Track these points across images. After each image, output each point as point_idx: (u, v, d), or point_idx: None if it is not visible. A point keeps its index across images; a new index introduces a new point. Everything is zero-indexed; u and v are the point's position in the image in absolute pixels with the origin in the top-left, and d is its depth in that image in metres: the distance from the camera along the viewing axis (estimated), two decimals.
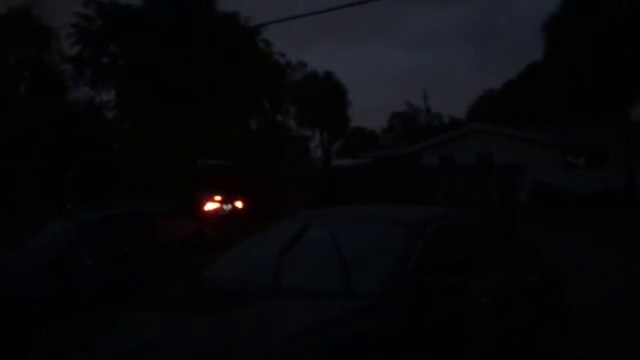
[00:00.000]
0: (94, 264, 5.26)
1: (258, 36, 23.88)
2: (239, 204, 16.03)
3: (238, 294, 3.80)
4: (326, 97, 41.91)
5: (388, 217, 4.62)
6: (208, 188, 15.81)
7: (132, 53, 20.23)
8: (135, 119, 21.61)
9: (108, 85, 22.15)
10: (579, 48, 21.67)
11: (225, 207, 15.59)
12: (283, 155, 25.66)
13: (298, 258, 4.06)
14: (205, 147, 21.08)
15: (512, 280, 4.67)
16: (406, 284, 3.57)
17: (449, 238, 4.30)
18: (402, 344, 3.34)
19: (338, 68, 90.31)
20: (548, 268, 5.34)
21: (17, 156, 20.18)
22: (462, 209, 5.83)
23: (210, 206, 15.24)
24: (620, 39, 20.26)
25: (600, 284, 8.57)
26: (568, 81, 23.63)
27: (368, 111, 74.14)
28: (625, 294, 8.09)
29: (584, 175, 23.92)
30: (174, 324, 3.37)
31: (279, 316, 3.35)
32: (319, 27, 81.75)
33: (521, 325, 4.57)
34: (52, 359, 3.29)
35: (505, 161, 24.85)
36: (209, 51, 19.74)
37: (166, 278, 4.51)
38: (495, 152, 25.60)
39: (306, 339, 2.95)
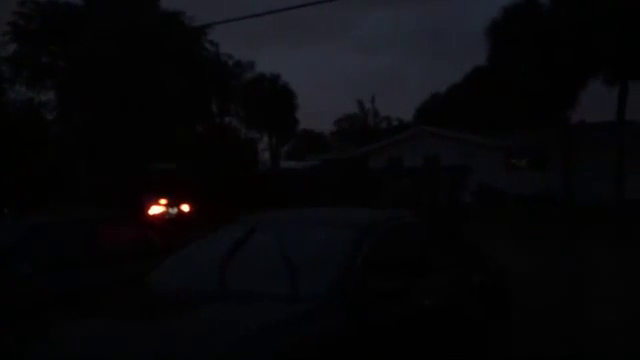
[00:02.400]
0: (32, 271, 5.05)
1: (205, 37, 23.61)
2: (185, 208, 15.75)
3: (182, 299, 3.72)
4: (274, 100, 41.87)
5: (334, 220, 4.62)
6: (153, 192, 15.47)
7: (74, 53, 19.65)
8: (78, 121, 21.00)
9: (47, 86, 21.43)
10: (521, 53, 22.39)
11: (171, 211, 15.28)
12: (231, 158, 25.39)
13: (244, 262, 4.03)
14: (151, 150, 20.65)
15: (457, 280, 4.73)
16: (352, 287, 3.56)
17: (395, 240, 4.33)
18: (348, 346, 3.33)
19: (288, 70, 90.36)
20: (492, 268, 5.45)
21: None
22: (409, 210, 5.88)
23: (155, 210, 14.91)
24: (560, 45, 21.02)
25: (537, 282, 8.84)
26: (510, 85, 24.38)
27: (317, 114, 74.48)
28: (560, 292, 8.39)
29: (526, 177, 24.69)
30: (117, 331, 3.27)
31: (224, 321, 3.29)
32: (270, 28, 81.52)
33: (466, 325, 4.63)
34: None
35: (451, 163, 25.37)
36: (155, 52, 19.38)
37: (109, 285, 4.38)
38: (442, 154, 26.11)
39: (251, 343, 2.92)
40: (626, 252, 12.40)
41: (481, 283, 5.04)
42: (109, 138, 19.05)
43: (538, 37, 21.41)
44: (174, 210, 15.37)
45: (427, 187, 23.49)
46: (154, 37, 19.46)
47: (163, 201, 15.13)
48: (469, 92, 38.76)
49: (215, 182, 19.77)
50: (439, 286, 4.38)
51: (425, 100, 47.63)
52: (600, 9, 20.56)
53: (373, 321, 3.57)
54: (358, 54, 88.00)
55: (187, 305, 3.64)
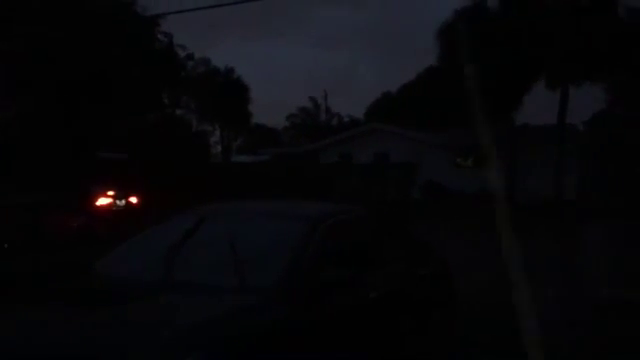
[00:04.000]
0: None
1: (157, 27, 23.20)
2: (134, 199, 15.48)
3: (128, 290, 3.68)
4: (227, 93, 41.51)
5: (284, 212, 4.66)
6: (101, 182, 15.14)
7: (17, 35, 18.89)
8: (22, 107, 20.22)
9: None
10: (468, 58, 22.95)
11: (118, 202, 15.00)
12: (181, 150, 25.07)
13: (193, 252, 4.01)
14: (99, 139, 20.17)
15: (404, 272, 4.85)
16: (301, 278, 3.59)
17: (344, 233, 4.39)
18: (296, 336, 3.36)
19: (242, 63, 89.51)
20: (437, 261, 5.62)
21: None
22: (358, 205, 6.02)
23: (102, 201, 14.60)
24: (505, 48, 21.69)
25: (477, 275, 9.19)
26: (458, 86, 24.95)
27: (270, 108, 74.13)
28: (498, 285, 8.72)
29: (471, 175, 25.38)
30: (61, 319, 3.25)
31: (170, 312, 3.29)
32: (225, 21, 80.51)
33: (411, 314, 4.76)
34: None
35: (400, 160, 25.82)
36: (104, 36, 18.85)
37: (53, 273, 4.32)
38: (391, 151, 26.53)
39: (197, 334, 2.92)
40: (544, 244, 13.02)
41: (426, 275, 5.18)
42: (56, 124, 18.43)
43: (485, 40, 22.02)
44: (122, 202, 15.10)
45: (376, 183, 23.86)
46: (103, 20, 18.91)
47: (111, 192, 14.84)
48: (420, 92, 39.41)
49: (165, 174, 19.50)
50: (386, 277, 4.48)
51: (377, 98, 48.18)
52: (544, 15, 21.32)
53: (322, 312, 3.61)
54: (313, 50, 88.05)
55: (133, 295, 3.59)
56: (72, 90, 18.05)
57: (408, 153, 25.90)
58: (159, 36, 23.45)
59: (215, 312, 3.19)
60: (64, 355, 2.80)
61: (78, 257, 4.55)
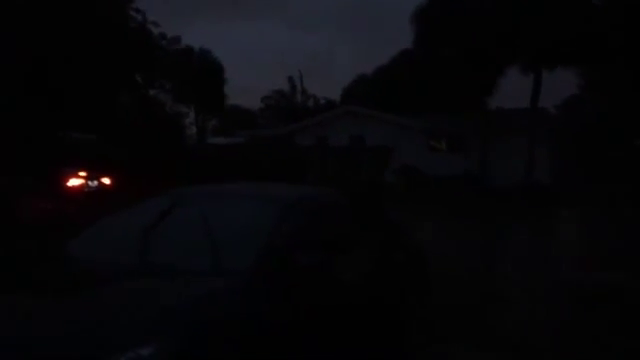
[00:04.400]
0: None
1: (131, 4, 22.73)
2: (106, 181, 15.23)
3: (100, 272, 3.61)
4: (202, 73, 41.01)
5: (257, 195, 4.63)
6: (72, 163, 14.85)
7: None
8: None
9: None
10: (443, 40, 23.05)
11: (90, 183, 14.74)
12: (156, 131, 24.68)
13: (166, 235, 3.95)
14: (70, 120, 19.76)
15: (379, 256, 4.88)
16: (273, 262, 3.58)
17: (319, 216, 4.39)
18: (269, 320, 3.36)
19: (217, 45, 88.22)
20: (412, 245, 5.66)
21: None
22: (333, 188, 6.02)
23: (74, 182, 14.34)
24: (480, 32, 21.79)
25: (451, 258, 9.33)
26: (433, 70, 25.09)
27: (246, 90, 73.37)
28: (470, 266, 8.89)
29: (446, 159, 25.62)
30: (32, 304, 3.19)
31: (143, 295, 3.25)
32: (200, 1, 79.15)
33: (386, 300, 4.80)
34: None
35: (376, 143, 25.90)
36: (75, 15, 18.38)
37: (22, 257, 4.25)
38: (367, 135, 26.58)
39: (169, 317, 2.89)
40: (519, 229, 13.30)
41: (401, 259, 5.22)
42: (23, 104, 17.97)
43: (459, 25, 22.10)
44: (94, 183, 14.85)
45: (351, 166, 23.92)
46: None
47: (82, 173, 14.57)
48: (396, 74, 39.42)
49: (139, 156, 19.23)
50: (361, 261, 4.49)
51: (352, 81, 48.07)
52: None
53: (296, 295, 3.61)
54: (290, 31, 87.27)
55: (105, 278, 3.52)
56: (39, 69, 17.61)
57: (384, 136, 25.99)
58: (131, 13, 22.99)
59: (184, 296, 3.14)
60: (26, 340, 2.74)
61: (49, 241, 4.48)
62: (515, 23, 21.28)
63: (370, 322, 4.56)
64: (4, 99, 18.39)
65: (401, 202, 16.11)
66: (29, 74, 17.72)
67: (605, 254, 9.69)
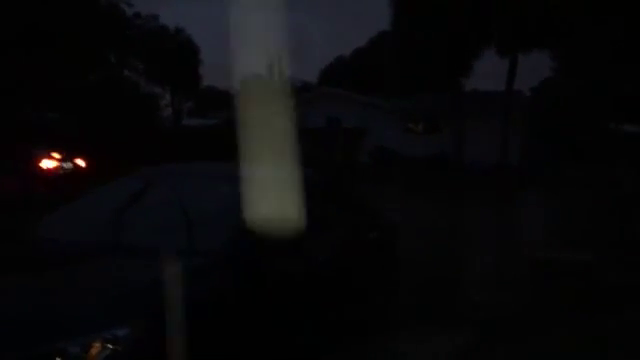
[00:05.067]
0: None
1: None
2: (81, 162, 15.04)
3: (70, 255, 3.60)
4: (176, 54, 40.43)
5: (230, 175, 4.64)
6: (45, 144, 14.62)
7: None
8: None
9: None
10: (420, 21, 23.07)
11: (64, 165, 14.55)
12: (129, 112, 24.29)
13: (139, 215, 3.95)
14: (40, 99, 19.38)
15: (351, 236, 4.94)
16: (247, 241, 3.59)
17: None
18: (242, 300, 3.39)
19: (192, 25, 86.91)
20: (384, 225, 5.73)
21: None
22: (308, 169, 6.05)
23: (47, 164, 14.13)
24: (455, 14, 21.86)
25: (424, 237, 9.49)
26: (410, 52, 25.11)
27: (221, 71, 72.61)
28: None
29: (421, 140, 25.80)
30: (4, 287, 3.17)
31: (115, 275, 3.26)
32: None
33: (357, 278, 4.86)
34: None
35: (351, 125, 25.96)
36: None
37: None
38: (343, 116, 26.61)
39: (142, 296, 2.91)
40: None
41: (373, 238, 5.30)
42: None
43: (436, 5, 22.12)
44: (68, 164, 14.66)
45: (326, 147, 23.95)
46: None
47: (56, 155, 14.36)
48: (374, 56, 39.37)
49: (113, 137, 19.00)
50: (333, 241, 4.55)
51: (330, 63, 47.89)
52: None
53: (268, 275, 3.65)
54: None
55: (77, 259, 3.52)
56: (9, 47, 17.18)
57: (360, 118, 26.05)
58: None
59: (157, 276, 3.10)
60: None
61: (19, 221, 4.45)
62: (491, 5, 21.38)
63: (342, 296, 4.63)
64: None
65: (374, 182, 16.25)
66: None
67: (573, 234, 9.92)
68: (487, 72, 27.18)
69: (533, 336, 4.91)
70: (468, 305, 5.97)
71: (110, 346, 2.63)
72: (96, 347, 2.60)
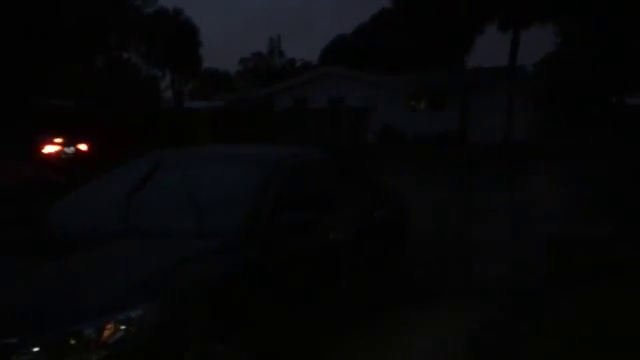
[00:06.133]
0: None
1: None
2: (83, 147, 14.99)
3: (82, 239, 3.57)
4: (176, 36, 40.13)
5: (244, 156, 4.60)
6: (48, 129, 14.57)
7: None
8: None
9: None
10: None
11: (67, 150, 14.50)
12: (131, 95, 24.19)
13: (151, 198, 3.92)
14: (43, 84, 19.30)
15: (362, 215, 4.91)
16: (262, 221, 3.57)
17: (303, 176, 4.38)
18: (257, 280, 3.37)
19: (191, 6, 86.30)
20: (394, 200, 5.71)
21: None
22: (315, 148, 5.99)
23: (50, 149, 14.09)
24: None
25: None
26: (413, 28, 24.88)
27: (222, 51, 72.18)
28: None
29: (426, 118, 25.63)
30: (17, 270, 3.15)
31: (133, 257, 3.22)
32: None
33: (369, 256, 4.85)
34: None
35: (355, 104, 25.80)
36: None
37: (4, 224, 4.16)
38: (346, 95, 26.43)
39: (157, 281, 2.88)
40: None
41: (383, 217, 5.27)
42: None
43: None
44: (71, 149, 14.61)
45: (330, 127, 23.86)
46: None
47: (59, 140, 14.31)
48: (375, 34, 39.05)
49: (116, 121, 18.94)
50: (345, 220, 4.52)
51: (331, 41, 47.51)
52: None
53: (283, 255, 3.63)
54: None
55: (91, 243, 3.48)
56: (14, 32, 17.07)
57: (363, 97, 25.86)
58: None
59: (171, 259, 3.12)
60: (11, 308, 2.72)
61: (30, 208, 4.40)
62: None
63: (354, 275, 4.62)
64: None
65: (381, 160, 16.18)
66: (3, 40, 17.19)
67: (586, 208, 9.85)
68: (493, 48, 27.00)
69: (548, 311, 4.86)
70: (479, 279, 5.93)
71: (123, 327, 2.62)
72: (109, 329, 2.60)
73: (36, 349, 2.50)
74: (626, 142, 20.64)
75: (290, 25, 75.44)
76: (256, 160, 4.34)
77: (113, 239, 3.49)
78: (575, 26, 27.25)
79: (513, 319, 4.72)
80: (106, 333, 2.59)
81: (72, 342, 2.54)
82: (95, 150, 14.95)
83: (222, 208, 3.69)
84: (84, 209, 4.03)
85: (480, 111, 23.42)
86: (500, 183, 14.44)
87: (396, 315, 4.77)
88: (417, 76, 27.13)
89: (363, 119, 25.50)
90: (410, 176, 13.88)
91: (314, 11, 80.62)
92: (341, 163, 5.54)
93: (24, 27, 17.21)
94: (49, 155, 13.89)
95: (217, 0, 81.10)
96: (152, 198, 3.94)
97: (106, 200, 4.06)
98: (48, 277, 3.00)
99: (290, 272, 3.70)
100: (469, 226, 8.90)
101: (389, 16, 31.78)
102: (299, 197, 4.10)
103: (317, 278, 4.08)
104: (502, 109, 22.41)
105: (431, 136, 23.32)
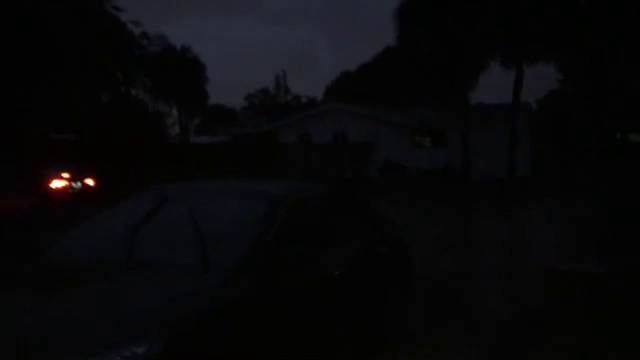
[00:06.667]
0: None
1: (109, 2, 22.53)
2: (90, 181, 15.13)
3: (88, 271, 3.61)
4: (183, 72, 40.77)
5: (246, 191, 4.64)
6: (54, 164, 14.72)
7: None
8: None
9: None
10: (425, 36, 23.20)
11: (74, 185, 14.63)
12: (138, 130, 24.41)
13: (153, 232, 3.93)
14: (48, 119, 19.51)
15: (363, 250, 4.91)
16: (263, 256, 3.60)
17: (305, 210, 4.40)
18: (258, 314, 3.37)
19: (199, 42, 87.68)
20: (395, 238, 5.72)
21: None
22: (318, 183, 6.06)
23: (57, 184, 14.22)
24: (461, 29, 21.97)
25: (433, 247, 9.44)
26: (416, 66, 25.24)
27: (227, 88, 73.14)
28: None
29: (429, 153, 25.79)
30: (18, 303, 3.16)
31: (132, 291, 3.24)
32: None
33: (370, 291, 4.85)
34: None
35: (358, 139, 26.00)
36: (50, 10, 18.00)
37: (6, 256, 4.22)
38: (350, 131, 26.67)
39: (160, 314, 2.89)
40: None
41: (385, 252, 5.28)
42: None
43: (441, 21, 22.25)
44: (78, 184, 14.74)
45: (334, 162, 23.99)
46: None
47: (65, 175, 14.45)
48: (379, 72, 39.56)
49: (122, 155, 19.12)
50: (346, 255, 4.53)
51: (336, 78, 48.14)
52: None
53: (284, 290, 3.64)
54: (271, 29, 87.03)
55: (93, 276, 3.52)
56: (17, 66, 17.31)
57: (367, 132, 26.09)
58: (110, 10, 22.75)
59: (174, 293, 3.14)
60: (13, 344, 2.71)
61: (33, 239, 4.45)
62: (494, 17, 21.49)
63: (355, 310, 4.61)
64: None
65: (382, 197, 16.22)
66: (5, 72, 17.43)
67: (586, 242, 9.83)
68: (497, 85, 27.28)
69: (547, 344, 4.85)
70: (482, 315, 5.92)
71: None
72: None
73: None
74: (628, 177, 20.67)
75: (295, 62, 76.52)
76: (258, 195, 4.38)
77: (117, 273, 3.52)
78: (576, 63, 27.60)
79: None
80: None
81: None
82: (102, 185, 15.08)
83: (224, 243, 3.70)
84: (88, 243, 4.06)
85: (482, 146, 23.56)
86: (497, 219, 14.44)
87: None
88: (419, 112, 27.39)
89: (366, 154, 25.66)
90: (409, 209, 13.94)
91: (319, 48, 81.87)
92: (342, 198, 5.57)
93: (27, 63, 17.39)
94: (56, 190, 14.00)
95: (224, 37, 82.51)
96: (156, 232, 3.94)
97: (110, 233, 4.08)
98: (51, 311, 3.01)
99: (291, 307, 3.71)
100: (474, 260, 8.90)
101: (393, 54, 32.26)
102: (301, 232, 4.11)
103: (318, 313, 4.08)
104: (505, 144, 22.56)
105: (433, 171, 23.42)
